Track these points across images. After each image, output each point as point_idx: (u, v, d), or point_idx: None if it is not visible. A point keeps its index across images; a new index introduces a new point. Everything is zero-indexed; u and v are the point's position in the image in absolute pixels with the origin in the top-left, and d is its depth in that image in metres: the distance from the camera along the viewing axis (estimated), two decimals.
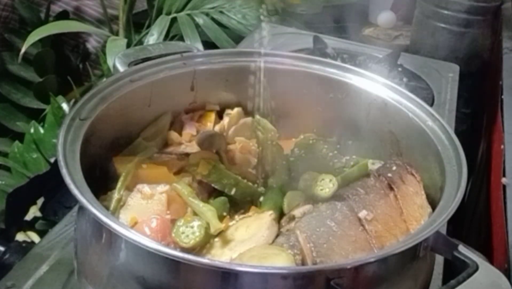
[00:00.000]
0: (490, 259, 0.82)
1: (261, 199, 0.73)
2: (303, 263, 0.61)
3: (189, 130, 0.81)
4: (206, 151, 0.77)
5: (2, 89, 1.68)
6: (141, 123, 0.79)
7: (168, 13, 1.63)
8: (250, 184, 0.74)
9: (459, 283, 0.54)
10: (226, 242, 0.65)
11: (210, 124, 0.83)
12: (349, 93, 0.82)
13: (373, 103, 0.80)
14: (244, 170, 0.77)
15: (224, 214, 0.70)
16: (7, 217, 1.07)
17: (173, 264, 0.54)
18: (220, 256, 0.63)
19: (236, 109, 0.84)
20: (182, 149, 0.79)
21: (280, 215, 0.70)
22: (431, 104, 1.16)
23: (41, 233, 1.05)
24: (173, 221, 0.65)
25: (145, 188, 0.69)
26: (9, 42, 1.71)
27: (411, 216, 0.68)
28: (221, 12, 1.67)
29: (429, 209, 0.69)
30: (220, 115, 0.85)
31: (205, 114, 0.84)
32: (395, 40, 1.70)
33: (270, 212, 0.69)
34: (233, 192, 0.71)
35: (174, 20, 1.62)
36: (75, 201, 0.57)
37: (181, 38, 1.55)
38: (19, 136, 1.45)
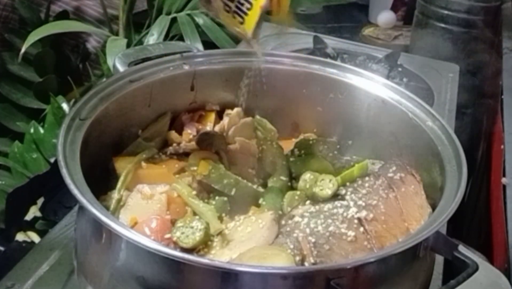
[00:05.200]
0: (490, 259, 0.82)
1: (261, 199, 0.73)
2: (303, 263, 0.61)
3: (189, 130, 0.81)
4: (206, 151, 0.77)
5: (2, 89, 1.68)
6: (141, 123, 0.79)
7: (168, 13, 1.63)
8: (250, 184, 0.74)
9: (459, 283, 0.54)
10: (226, 242, 0.65)
11: (210, 124, 0.83)
12: (349, 93, 0.82)
13: (373, 103, 0.80)
14: (244, 170, 0.77)
15: (224, 214, 0.70)
16: (7, 217, 1.07)
17: (173, 264, 0.54)
18: (220, 256, 0.63)
19: (236, 109, 0.84)
20: (182, 149, 0.79)
21: (280, 215, 0.70)
22: (431, 104, 1.16)
23: (41, 233, 1.05)
24: (173, 221, 0.65)
25: (145, 188, 0.69)
26: (9, 42, 1.71)
27: (411, 216, 0.68)
28: None
29: (429, 209, 0.69)
30: (220, 115, 0.85)
31: (205, 114, 0.84)
32: (395, 40, 1.70)
33: (270, 212, 0.69)
34: (233, 192, 0.71)
35: (174, 20, 1.62)
36: (75, 201, 0.57)
37: (181, 38, 1.55)
38: (19, 136, 1.45)
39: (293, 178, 0.76)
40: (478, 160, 1.33)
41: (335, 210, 0.67)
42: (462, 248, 0.58)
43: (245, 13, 0.65)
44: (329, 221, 0.65)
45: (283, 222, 0.68)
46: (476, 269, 0.55)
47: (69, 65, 1.76)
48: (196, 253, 0.63)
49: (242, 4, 0.65)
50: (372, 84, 0.81)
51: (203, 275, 0.55)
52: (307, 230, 0.64)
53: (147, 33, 1.59)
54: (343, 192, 0.70)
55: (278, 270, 0.56)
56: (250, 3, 0.65)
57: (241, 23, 0.66)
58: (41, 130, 1.41)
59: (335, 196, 0.69)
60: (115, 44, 1.43)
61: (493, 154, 1.11)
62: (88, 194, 0.58)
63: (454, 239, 0.60)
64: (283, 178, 0.76)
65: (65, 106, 1.43)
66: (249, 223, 0.68)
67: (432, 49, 1.44)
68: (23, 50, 1.32)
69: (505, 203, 0.83)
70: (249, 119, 0.84)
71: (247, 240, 0.65)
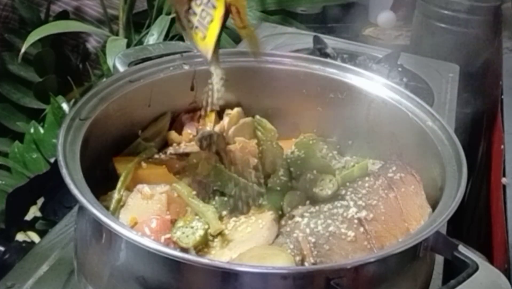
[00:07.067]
0: (490, 259, 0.82)
1: (261, 199, 0.73)
2: (303, 263, 0.61)
3: (189, 130, 0.81)
4: (206, 151, 0.77)
5: (2, 89, 1.68)
6: (141, 123, 0.79)
7: (168, 13, 1.63)
8: (250, 184, 0.74)
9: (459, 283, 0.54)
10: (226, 242, 0.65)
11: (210, 124, 0.83)
12: (349, 93, 0.82)
13: (373, 103, 0.80)
14: (244, 170, 0.77)
15: (224, 214, 0.70)
16: (7, 217, 1.07)
17: (173, 264, 0.54)
18: (220, 256, 0.63)
19: (236, 109, 0.84)
20: (182, 149, 0.79)
21: (280, 215, 0.70)
22: (431, 104, 1.16)
23: (41, 233, 1.05)
24: (173, 221, 0.65)
25: (145, 188, 0.69)
26: (9, 42, 1.71)
27: (411, 216, 0.68)
28: None
29: (429, 209, 0.69)
30: (220, 115, 0.85)
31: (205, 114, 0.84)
32: (395, 40, 1.70)
33: (270, 212, 0.69)
34: (233, 192, 0.71)
35: (174, 20, 1.61)
36: (75, 201, 0.57)
37: (181, 38, 1.55)
38: (19, 136, 1.45)
39: (293, 178, 0.76)
40: (478, 160, 1.33)
41: (335, 210, 0.67)
42: (462, 248, 0.58)
43: (206, 27, 0.63)
44: (329, 221, 0.65)
45: (283, 222, 0.69)
46: (476, 269, 0.55)
47: (69, 65, 1.76)
48: (196, 253, 0.63)
49: (204, 18, 0.64)
50: (372, 84, 0.81)
51: (203, 275, 0.55)
52: (307, 230, 0.64)
53: (147, 33, 1.59)
54: (343, 192, 0.70)
55: (278, 270, 0.56)
56: (211, 16, 0.62)
57: (203, 38, 0.64)
58: (41, 130, 1.41)
59: (335, 196, 0.69)
60: (115, 44, 1.43)
61: (493, 154, 1.11)
62: (88, 194, 0.58)
63: (454, 239, 0.60)
64: (283, 178, 0.76)
65: (65, 106, 1.43)
66: (249, 223, 0.68)
67: (432, 49, 1.44)
68: (23, 50, 1.32)
69: (505, 203, 0.83)
70: (249, 119, 0.84)
71: (247, 240, 0.65)
